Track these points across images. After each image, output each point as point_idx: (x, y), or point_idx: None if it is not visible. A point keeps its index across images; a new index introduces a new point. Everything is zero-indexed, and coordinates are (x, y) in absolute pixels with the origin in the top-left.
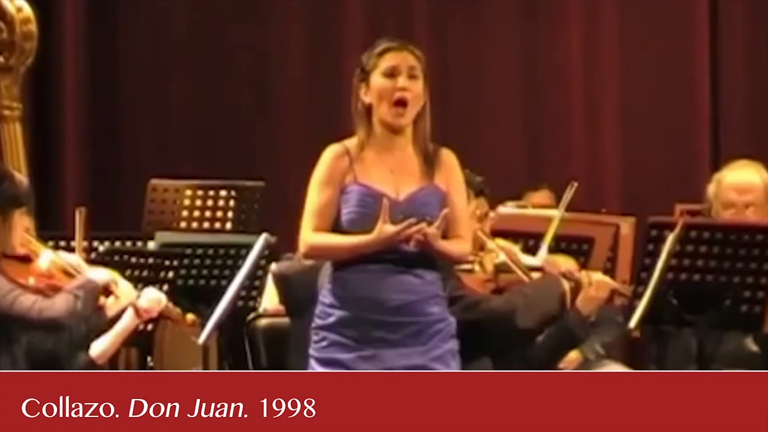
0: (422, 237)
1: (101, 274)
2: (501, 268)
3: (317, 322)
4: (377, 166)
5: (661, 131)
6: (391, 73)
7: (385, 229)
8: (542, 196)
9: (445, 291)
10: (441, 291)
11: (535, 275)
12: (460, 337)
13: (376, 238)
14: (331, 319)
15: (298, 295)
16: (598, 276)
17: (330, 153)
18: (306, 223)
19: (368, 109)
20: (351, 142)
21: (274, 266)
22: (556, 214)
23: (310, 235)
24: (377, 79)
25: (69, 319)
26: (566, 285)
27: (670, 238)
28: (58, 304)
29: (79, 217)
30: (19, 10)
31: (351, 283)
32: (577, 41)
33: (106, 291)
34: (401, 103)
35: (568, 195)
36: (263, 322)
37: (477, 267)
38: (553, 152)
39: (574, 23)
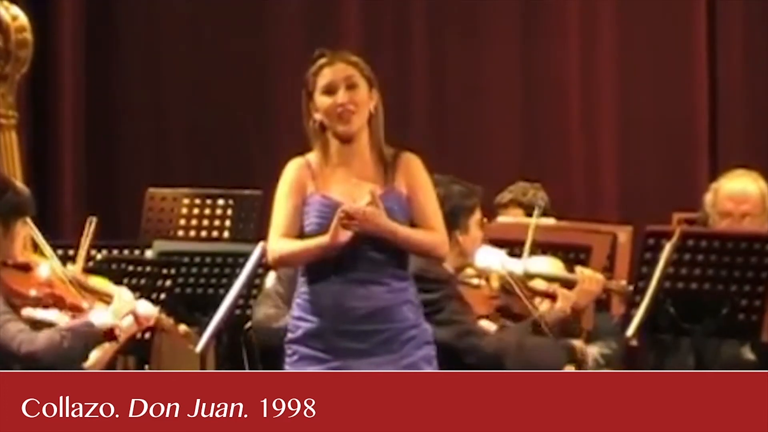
0: (357, 216)
1: (105, 318)
2: (507, 288)
3: (288, 336)
4: (337, 176)
5: (658, 140)
6: (329, 90)
7: (337, 233)
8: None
9: (443, 313)
10: (413, 297)
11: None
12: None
13: (328, 239)
14: (300, 332)
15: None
16: (588, 271)
17: (292, 166)
18: (272, 235)
19: (321, 126)
20: (312, 156)
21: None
22: (552, 222)
23: (276, 243)
24: (319, 98)
25: (48, 356)
26: (579, 345)
27: (668, 247)
28: (40, 341)
29: (88, 227)
30: (15, 18)
31: (317, 295)
32: (574, 51)
33: (111, 334)
34: (345, 116)
35: (536, 215)
36: None
37: (483, 282)
38: (551, 161)
39: (572, 32)
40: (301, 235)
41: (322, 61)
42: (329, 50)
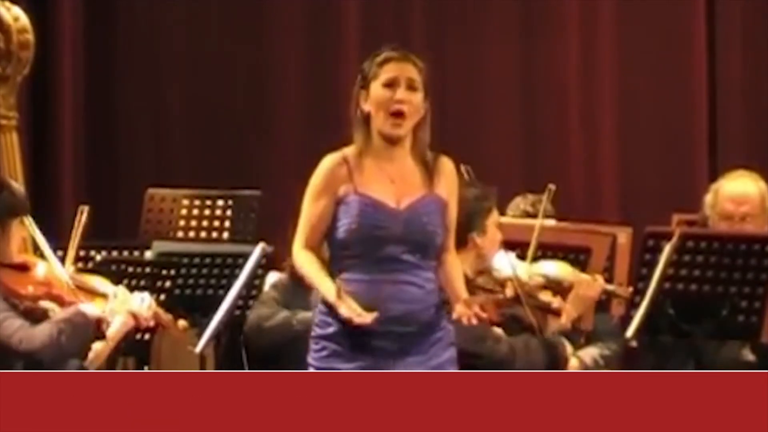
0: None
1: (94, 309)
2: (519, 299)
3: (317, 331)
4: (377, 175)
5: (658, 141)
6: (391, 84)
7: (339, 306)
8: None
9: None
10: (439, 299)
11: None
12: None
13: (332, 302)
14: (331, 329)
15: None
16: (586, 276)
17: (328, 162)
18: (299, 234)
19: (367, 117)
20: (349, 151)
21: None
22: (552, 223)
23: (300, 252)
24: (377, 89)
25: (48, 352)
26: (569, 350)
27: (667, 248)
28: (39, 337)
29: (79, 216)
30: (16, 19)
31: (351, 294)
32: (574, 51)
33: (98, 324)
34: (398, 115)
35: (546, 201)
36: None
37: (497, 289)
38: (550, 162)
39: (571, 32)
40: (330, 235)
41: (392, 54)
42: (397, 48)
